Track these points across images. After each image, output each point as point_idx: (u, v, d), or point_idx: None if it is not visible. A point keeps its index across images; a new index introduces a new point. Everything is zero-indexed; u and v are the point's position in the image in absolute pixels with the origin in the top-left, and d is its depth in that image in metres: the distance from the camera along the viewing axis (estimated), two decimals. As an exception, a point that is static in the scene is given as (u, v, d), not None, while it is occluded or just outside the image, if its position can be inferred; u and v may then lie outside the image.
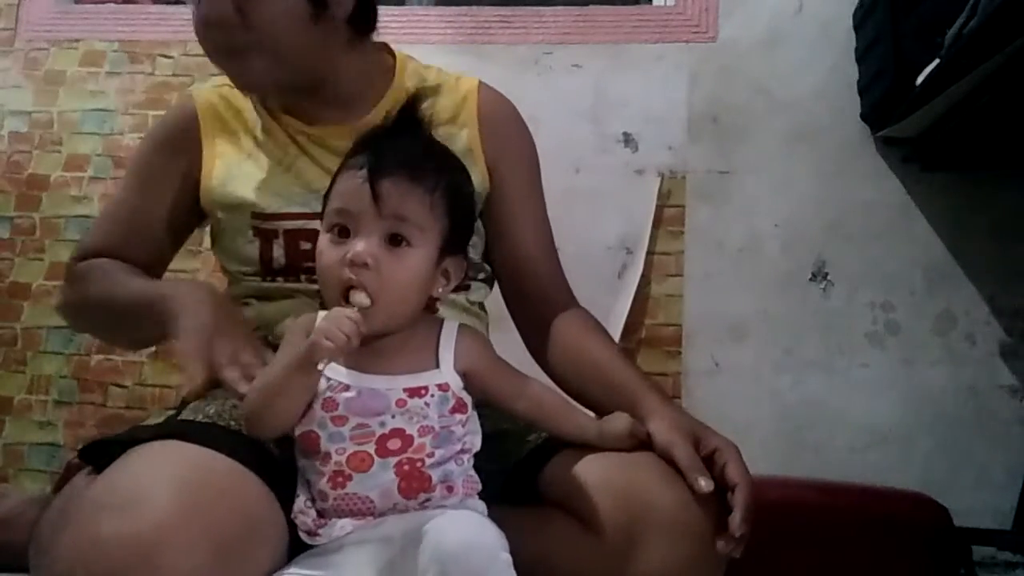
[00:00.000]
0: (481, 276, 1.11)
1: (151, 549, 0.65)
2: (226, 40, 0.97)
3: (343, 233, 0.78)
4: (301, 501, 0.77)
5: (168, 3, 2.21)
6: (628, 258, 1.93)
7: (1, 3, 2.18)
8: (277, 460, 0.80)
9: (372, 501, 0.74)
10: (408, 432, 0.75)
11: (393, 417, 0.75)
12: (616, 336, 1.83)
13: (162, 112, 2.05)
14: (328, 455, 0.75)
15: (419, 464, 0.75)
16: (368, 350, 0.78)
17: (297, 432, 0.78)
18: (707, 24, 2.01)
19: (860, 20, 1.91)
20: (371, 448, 0.75)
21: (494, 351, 0.86)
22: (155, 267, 1.11)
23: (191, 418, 0.86)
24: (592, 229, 1.92)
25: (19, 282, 2.04)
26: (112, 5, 2.20)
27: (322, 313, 0.78)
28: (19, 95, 2.13)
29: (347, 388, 0.77)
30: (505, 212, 1.08)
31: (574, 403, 0.90)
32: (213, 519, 0.68)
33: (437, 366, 0.80)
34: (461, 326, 0.85)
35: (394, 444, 0.75)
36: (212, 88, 1.10)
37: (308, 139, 1.05)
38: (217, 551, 0.67)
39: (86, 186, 2.07)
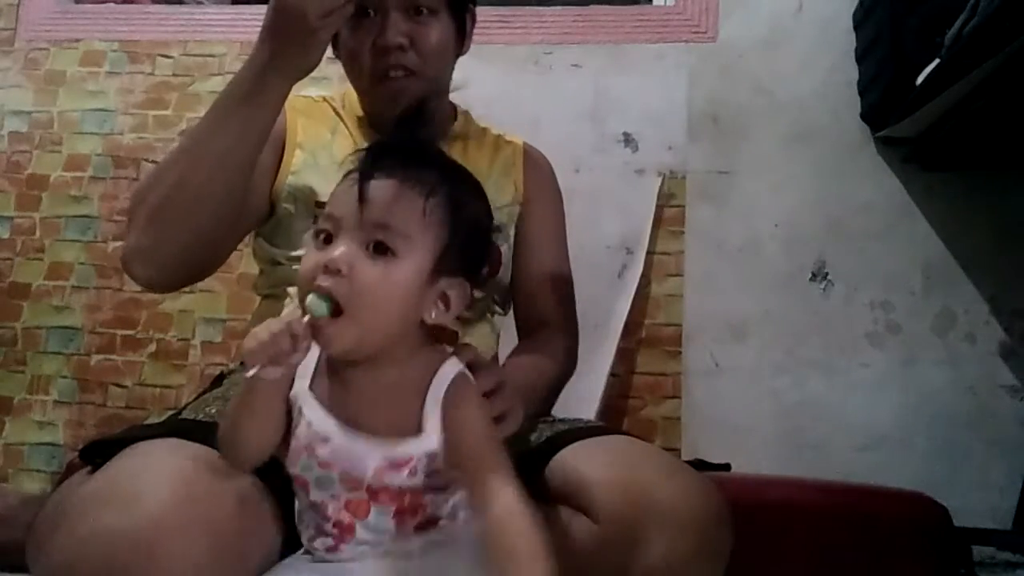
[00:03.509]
0: (496, 297, 1.19)
1: (148, 544, 0.65)
2: (396, 65, 1.07)
3: (328, 240, 0.72)
4: (311, 530, 0.74)
5: (168, 3, 2.21)
6: (628, 258, 1.93)
7: (1, 3, 2.18)
8: (275, 459, 0.80)
9: (382, 538, 0.72)
10: (393, 488, 0.71)
11: (373, 478, 0.71)
12: (616, 336, 1.83)
13: (162, 112, 2.08)
14: (324, 505, 0.72)
15: (418, 511, 0.72)
16: (353, 391, 0.72)
17: (290, 469, 0.74)
18: (707, 24, 2.02)
19: (860, 20, 1.91)
20: (363, 495, 0.71)
21: (483, 421, 0.73)
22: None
23: (191, 417, 0.86)
24: (592, 229, 1.91)
25: (19, 282, 2.04)
26: (112, 5, 2.20)
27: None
28: (19, 95, 2.13)
29: (327, 440, 0.71)
30: (526, 240, 1.20)
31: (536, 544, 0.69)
32: (210, 516, 0.69)
33: (421, 428, 0.71)
34: (459, 377, 0.74)
35: (384, 496, 0.71)
36: (300, 95, 1.18)
37: None
38: (213, 547, 0.68)
39: (86, 186, 2.07)
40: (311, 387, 0.74)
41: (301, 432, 0.72)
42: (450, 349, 0.78)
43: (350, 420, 0.72)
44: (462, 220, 0.75)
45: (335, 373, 0.73)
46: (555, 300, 1.20)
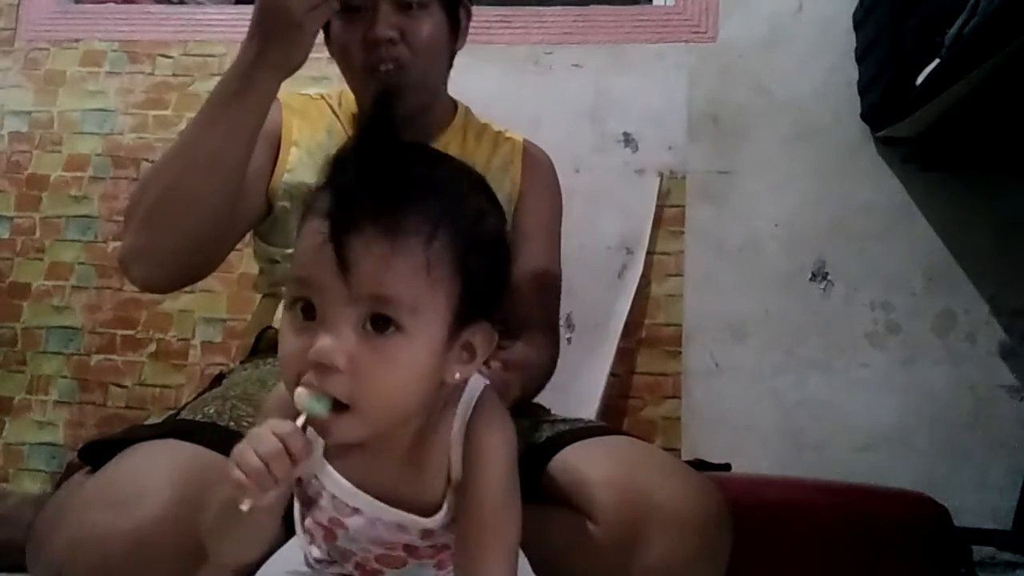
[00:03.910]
0: None
1: (146, 545, 0.66)
2: (387, 58, 1.07)
3: (308, 311, 0.56)
4: (322, 554, 0.68)
5: (168, 3, 2.21)
6: (628, 258, 1.93)
7: (1, 3, 2.18)
8: None
9: None
10: (438, 545, 0.66)
11: (416, 543, 0.65)
12: (616, 336, 1.83)
13: (162, 112, 2.08)
14: (349, 552, 0.66)
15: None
16: (378, 456, 0.62)
17: (313, 519, 0.66)
18: (707, 24, 2.01)
19: (860, 20, 1.91)
20: (400, 553, 0.64)
21: (506, 455, 0.61)
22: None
23: (190, 417, 0.86)
24: (592, 229, 1.91)
25: (19, 282, 2.04)
26: (112, 5, 2.20)
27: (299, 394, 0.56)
28: (19, 95, 2.13)
29: (357, 512, 0.63)
30: (517, 236, 1.17)
31: None
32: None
33: (450, 481, 0.63)
34: (481, 396, 0.63)
35: (425, 553, 0.65)
36: (297, 92, 1.18)
37: None
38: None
39: (86, 186, 2.07)
40: (326, 453, 0.63)
41: (325, 503, 0.63)
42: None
43: (379, 488, 0.62)
44: (477, 254, 0.59)
45: None
46: (538, 302, 1.17)
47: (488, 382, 0.65)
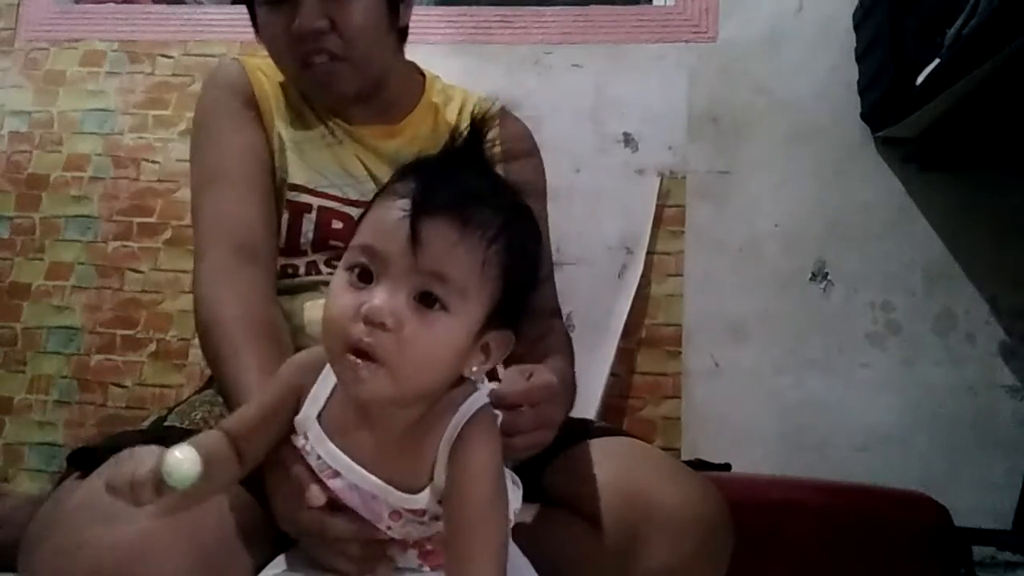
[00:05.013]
0: None
1: (134, 557, 0.65)
2: (317, 50, 0.98)
3: (364, 276, 0.62)
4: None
5: (168, 3, 2.21)
6: (628, 258, 1.93)
7: (1, 3, 2.18)
8: (262, 466, 0.79)
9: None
10: (412, 538, 0.68)
11: (389, 528, 0.67)
12: (616, 336, 1.83)
13: (162, 112, 2.08)
14: None
15: (437, 549, 0.68)
16: (373, 429, 0.65)
17: None
18: (707, 24, 2.01)
19: (860, 20, 1.91)
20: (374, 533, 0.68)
21: (491, 473, 0.64)
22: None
23: (177, 424, 0.85)
24: (592, 229, 1.92)
25: (19, 282, 2.04)
26: (112, 5, 2.20)
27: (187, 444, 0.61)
28: (19, 95, 2.13)
29: (337, 475, 0.66)
30: None
31: None
32: (196, 526, 0.68)
33: (432, 478, 0.65)
34: (477, 414, 0.65)
35: (399, 543, 0.68)
36: (258, 58, 1.10)
37: (345, 133, 1.07)
38: (200, 558, 0.67)
39: (86, 186, 2.07)
40: (320, 416, 0.67)
41: (311, 462, 0.67)
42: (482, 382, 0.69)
43: (365, 459, 0.65)
44: (520, 272, 0.65)
45: (353, 406, 0.66)
46: (546, 288, 1.10)
47: (485, 403, 0.67)
